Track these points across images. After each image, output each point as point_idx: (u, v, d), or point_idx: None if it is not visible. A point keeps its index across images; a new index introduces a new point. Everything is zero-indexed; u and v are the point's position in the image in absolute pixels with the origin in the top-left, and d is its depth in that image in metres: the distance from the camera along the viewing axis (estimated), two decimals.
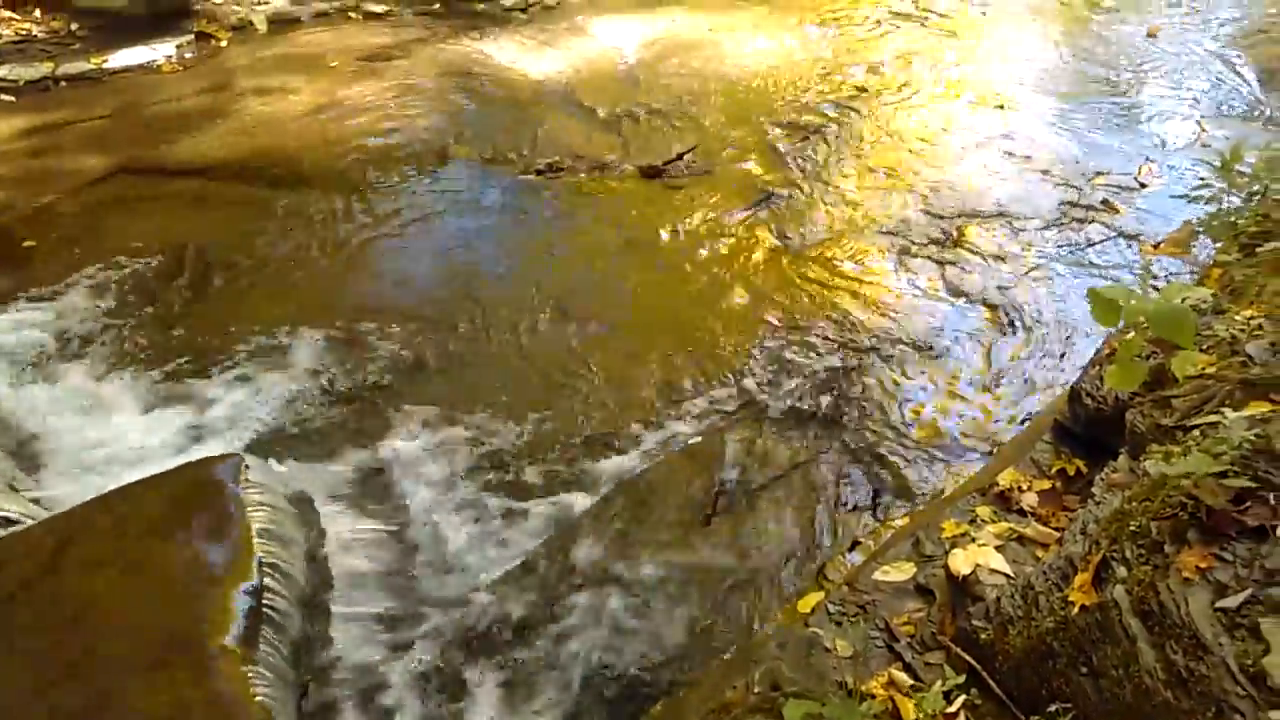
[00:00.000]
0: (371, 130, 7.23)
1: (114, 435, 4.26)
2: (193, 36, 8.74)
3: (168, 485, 3.58)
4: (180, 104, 7.69)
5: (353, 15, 9.61)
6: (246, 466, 3.54)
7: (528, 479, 4.06)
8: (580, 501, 3.95)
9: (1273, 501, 2.05)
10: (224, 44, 8.82)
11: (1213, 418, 2.29)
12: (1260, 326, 2.83)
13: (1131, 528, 2.16)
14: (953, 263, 5.54)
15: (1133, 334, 3.11)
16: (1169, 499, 2.14)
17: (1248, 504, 2.06)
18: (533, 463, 4.15)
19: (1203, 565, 1.96)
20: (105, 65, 8.13)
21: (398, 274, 5.60)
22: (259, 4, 9.46)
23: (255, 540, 3.26)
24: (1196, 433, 2.32)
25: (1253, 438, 2.18)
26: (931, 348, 4.85)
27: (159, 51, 8.44)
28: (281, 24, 9.33)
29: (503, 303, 5.29)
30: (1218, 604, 1.88)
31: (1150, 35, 9.26)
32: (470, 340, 4.98)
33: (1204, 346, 2.90)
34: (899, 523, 3.75)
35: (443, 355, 4.87)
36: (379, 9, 9.71)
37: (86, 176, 6.55)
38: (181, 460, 3.83)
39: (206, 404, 4.47)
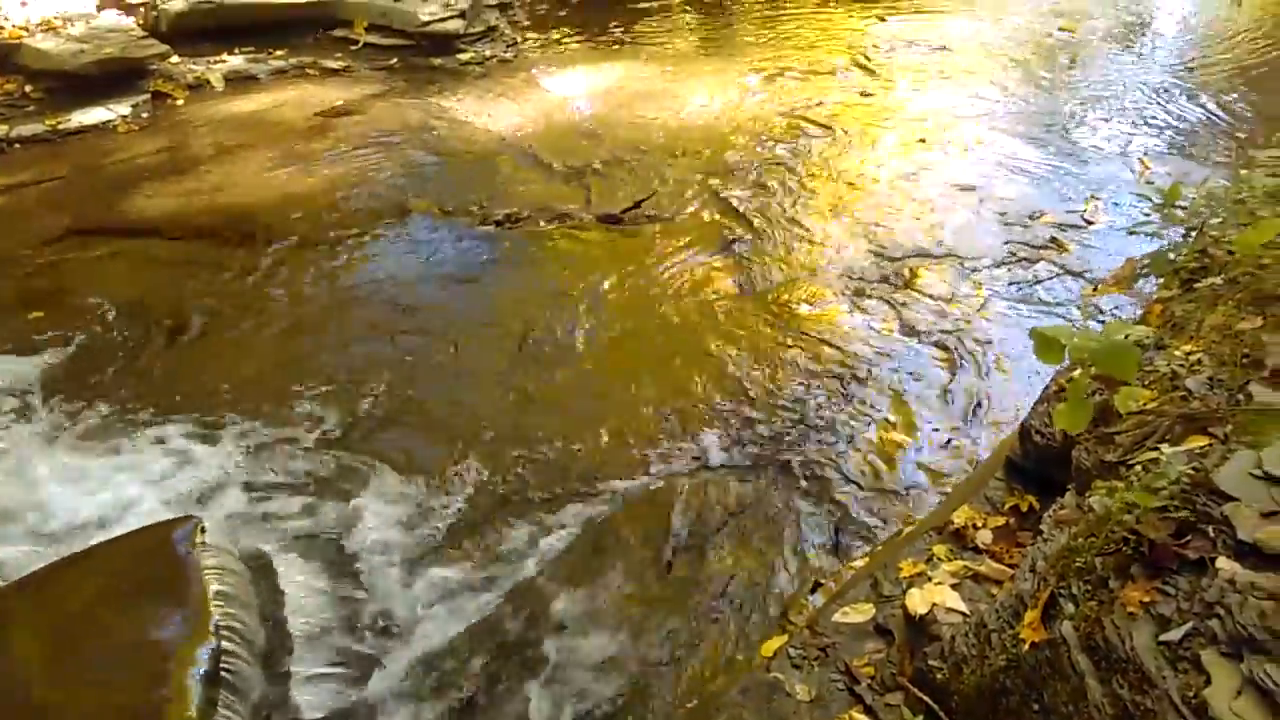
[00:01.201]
0: (329, 185, 7.25)
1: (65, 500, 4.20)
2: (149, 96, 8.75)
3: (122, 550, 3.55)
4: (136, 163, 7.68)
5: (310, 72, 9.66)
6: (202, 529, 3.51)
7: (487, 532, 4.05)
8: (540, 554, 3.94)
9: (1211, 534, 2.09)
10: (180, 103, 8.83)
11: (1152, 454, 2.34)
12: (1199, 361, 2.90)
13: (1078, 564, 2.20)
14: (906, 303, 5.62)
15: (1079, 372, 3.19)
16: (1112, 534, 2.18)
17: (1188, 537, 2.11)
18: (492, 515, 4.15)
19: (1146, 599, 2.00)
20: (60, 126, 8.12)
21: (356, 329, 5.60)
22: (215, 62, 9.50)
23: (212, 603, 3.23)
24: (1139, 468, 2.37)
25: (1191, 471, 2.24)
26: (887, 387, 4.92)
27: (115, 111, 8.44)
28: (239, 82, 9.36)
29: (462, 354, 5.31)
30: (1161, 637, 1.92)
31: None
32: (427, 393, 4.98)
33: (1146, 382, 2.97)
34: (859, 563, 3.78)
35: (401, 409, 4.86)
36: (336, 65, 9.78)
37: (42, 237, 6.52)
38: (136, 524, 3.79)
39: (163, 465, 4.43)
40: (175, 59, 9.21)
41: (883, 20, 11.54)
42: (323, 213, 6.87)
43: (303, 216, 6.81)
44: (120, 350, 5.32)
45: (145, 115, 8.54)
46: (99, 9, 9.46)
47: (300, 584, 3.73)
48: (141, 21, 9.49)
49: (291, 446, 4.55)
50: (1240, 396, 2.54)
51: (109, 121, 8.33)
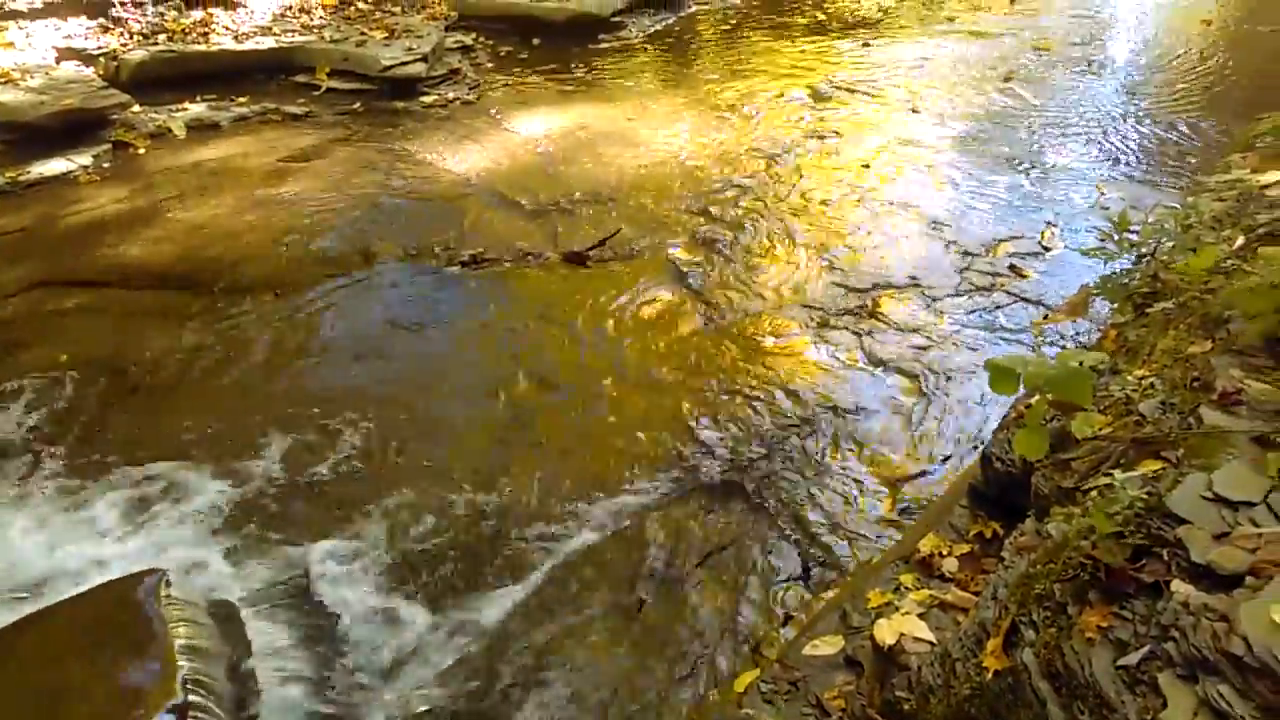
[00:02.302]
0: (294, 231, 7.25)
1: (30, 556, 4.15)
2: (110, 146, 8.72)
3: (87, 606, 3.51)
4: (99, 214, 7.64)
5: (273, 118, 9.67)
6: (167, 582, 3.48)
7: (457, 576, 4.04)
8: (512, 597, 3.93)
9: (1166, 557, 2.13)
10: (142, 152, 8.80)
11: (1106, 479, 2.38)
12: (1152, 385, 2.95)
13: (1037, 591, 2.23)
14: (870, 333, 5.69)
15: (1037, 399, 3.24)
16: (1070, 560, 2.22)
17: (1143, 561, 2.15)
18: (461, 559, 4.13)
19: (1104, 624, 2.03)
20: (21, 179, 8.06)
21: (322, 375, 5.58)
22: (177, 110, 9.49)
23: (178, 656, 3.20)
24: (1094, 493, 2.41)
25: (1145, 496, 2.28)
26: (853, 417, 4.96)
27: (76, 162, 8.40)
28: (201, 130, 9.35)
29: (429, 397, 5.31)
30: (1119, 662, 1.95)
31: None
32: (395, 439, 4.96)
33: (1102, 407, 3.02)
34: (829, 594, 3.80)
35: (369, 456, 4.84)
36: (299, 111, 9.80)
37: (4, 290, 6.46)
38: (101, 579, 3.75)
39: (128, 518, 4.39)
40: (136, 108, 9.19)
41: (839, 60, 11.73)
42: (287, 258, 6.86)
43: (267, 263, 6.80)
44: (84, 403, 5.27)
45: (107, 165, 8.51)
46: (58, 60, 9.46)
47: (268, 634, 3.70)
48: (102, 72, 9.49)
49: (258, 496, 4.52)
50: (1191, 420, 2.59)
51: (70, 172, 8.29)
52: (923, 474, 4.53)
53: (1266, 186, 4.02)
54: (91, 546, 4.21)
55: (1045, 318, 5.52)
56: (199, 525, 4.34)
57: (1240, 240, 3.61)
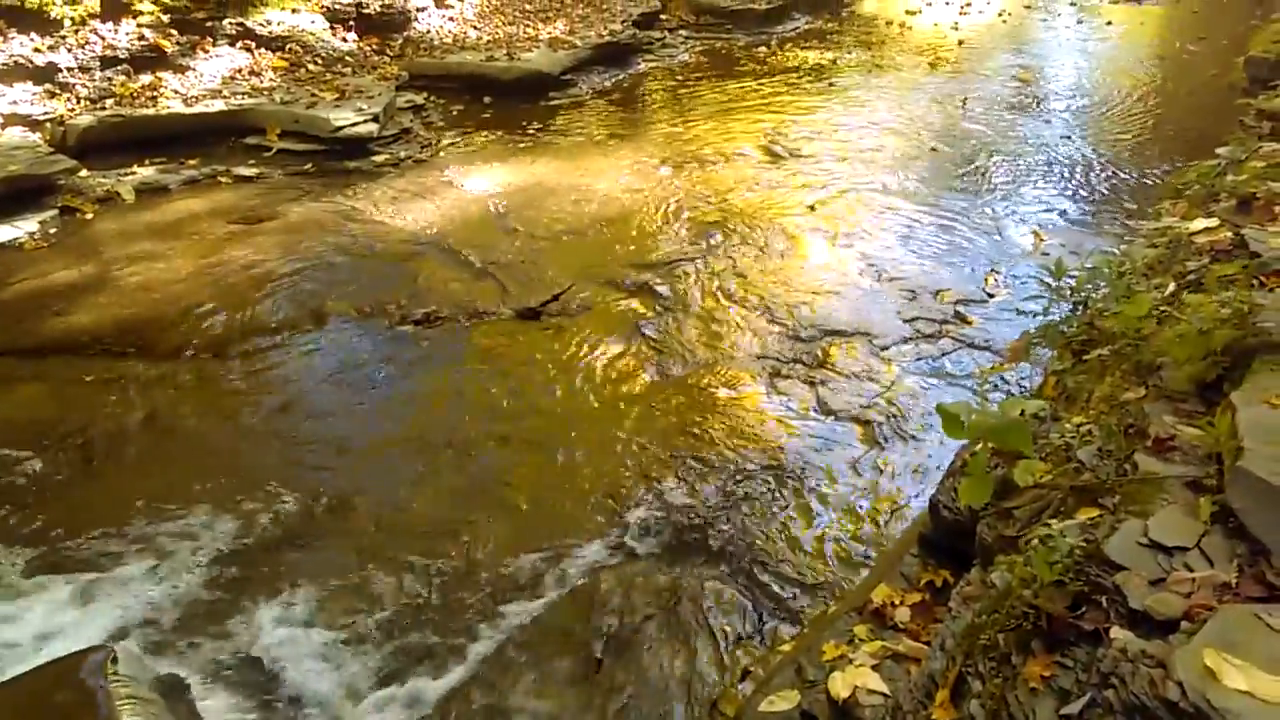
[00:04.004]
0: (245, 294, 7.21)
1: None
2: (57, 212, 8.63)
3: (32, 684, 3.42)
4: (45, 281, 7.55)
5: (223, 180, 9.64)
6: (114, 659, 3.40)
7: (410, 643, 3.99)
8: (468, 660, 3.90)
9: (1105, 604, 2.18)
10: (90, 217, 8.72)
11: (1045, 529, 2.43)
12: (1090, 432, 3.02)
13: (983, 641, 2.26)
14: (821, 382, 5.76)
15: (980, 447, 3.30)
16: (1013, 610, 2.26)
17: (1083, 609, 2.19)
18: (415, 625, 4.09)
19: (1046, 674, 2.07)
20: None
21: (271, 439, 5.53)
22: (125, 175, 9.43)
23: None
24: (1035, 542, 2.46)
25: (1083, 543, 2.33)
26: (806, 467, 5.01)
27: (21, 229, 8.30)
28: (150, 193, 9.29)
29: (380, 458, 5.28)
30: (1062, 711, 1.98)
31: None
32: (348, 504, 4.92)
33: (1043, 454, 3.09)
34: (786, 647, 3.81)
35: (318, 519, 4.80)
36: (249, 172, 9.78)
37: None
38: (45, 657, 3.66)
39: (73, 593, 4.29)
40: (84, 173, 9.11)
41: (785, 113, 11.97)
42: (238, 321, 6.82)
43: (218, 326, 6.74)
44: (31, 475, 5.17)
45: (54, 232, 8.42)
46: (3, 127, 9.37)
47: (218, 709, 3.63)
48: (48, 137, 9.42)
49: (206, 568, 4.45)
50: (1127, 466, 2.65)
51: (16, 240, 8.19)
52: (875, 522, 4.57)
53: (1195, 234, 4.15)
54: (37, 625, 4.11)
55: (990, 368, 5.64)
56: (146, 597, 4.26)
57: (1171, 287, 3.72)
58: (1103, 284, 4.08)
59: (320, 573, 4.39)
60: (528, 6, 15.58)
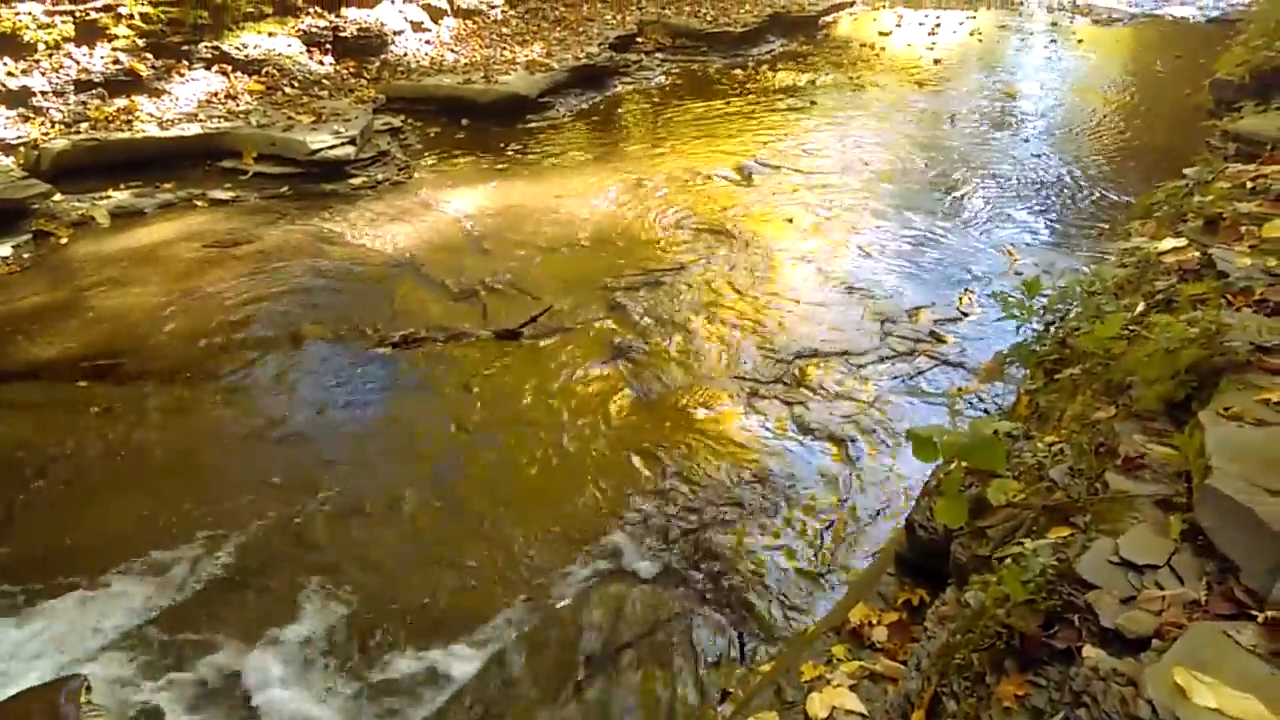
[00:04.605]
0: (221, 318, 7.18)
1: None
2: (31, 236, 8.57)
3: (3, 714, 3.38)
4: (19, 306, 7.49)
5: (199, 204, 9.61)
6: (88, 688, 3.37)
7: (390, 668, 3.97)
8: (451, 684, 3.88)
9: (1077, 623, 2.20)
10: (65, 241, 8.67)
11: (1018, 548, 2.45)
12: (1062, 451, 3.06)
13: (957, 660, 2.28)
14: (798, 402, 5.79)
15: (954, 467, 3.33)
16: (987, 629, 2.27)
17: (1056, 628, 2.21)
18: (395, 650, 4.07)
19: (1020, 693, 2.08)
20: None
21: (248, 464, 5.49)
22: (100, 199, 9.38)
23: None
24: (1008, 561, 2.48)
25: (1055, 562, 2.36)
26: (784, 487, 5.03)
27: None
28: (125, 217, 9.24)
29: (358, 481, 5.25)
30: None
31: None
32: (324, 530, 4.88)
33: (1017, 473, 3.12)
34: (765, 668, 3.81)
35: (296, 544, 4.76)
36: (225, 196, 9.75)
37: None
38: (17, 687, 3.62)
39: (46, 622, 4.24)
40: (59, 197, 9.06)
41: (760, 134, 12.06)
42: (213, 346, 6.78)
43: (194, 351, 6.71)
44: (2, 503, 5.12)
45: (27, 256, 8.36)
46: None
47: None
48: (22, 161, 9.37)
49: (183, 592, 4.41)
50: (1098, 485, 2.68)
51: None
52: (852, 542, 4.59)
53: (1163, 253, 4.21)
54: (8, 656, 4.06)
55: (964, 388, 5.68)
56: (122, 625, 4.22)
57: (1141, 306, 3.78)
58: (1074, 303, 4.14)
59: (296, 600, 4.35)
60: (504, 30, 15.65)
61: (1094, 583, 2.26)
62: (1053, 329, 4.16)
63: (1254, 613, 2.04)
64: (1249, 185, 4.79)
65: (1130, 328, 3.46)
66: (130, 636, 4.16)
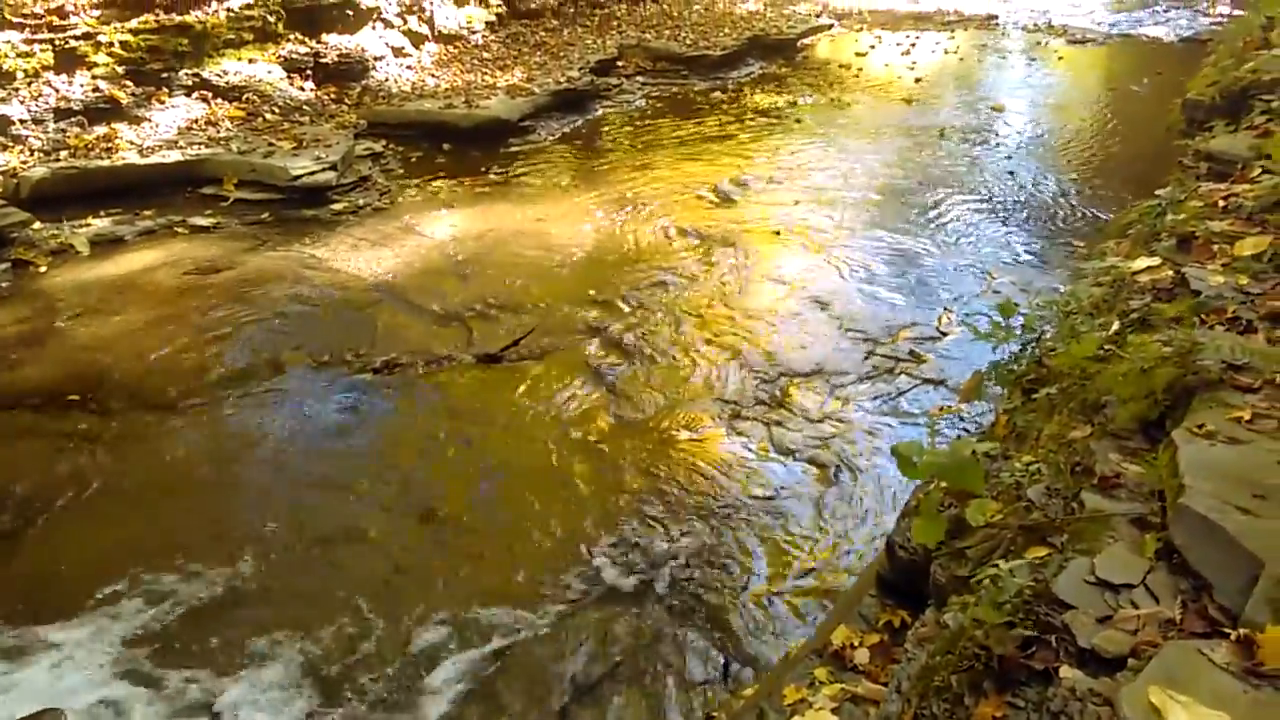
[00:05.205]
0: (201, 345, 7.15)
1: None
2: (9, 265, 8.53)
3: None
4: None
5: (179, 231, 9.57)
6: None
7: (371, 698, 3.95)
8: (435, 711, 3.86)
9: (1054, 643, 2.21)
10: (44, 270, 8.63)
11: (993, 570, 2.46)
12: (1039, 471, 3.08)
13: (936, 683, 2.28)
14: (780, 423, 5.81)
15: (932, 487, 3.34)
16: (965, 651, 2.28)
17: (1033, 649, 2.22)
18: (378, 677, 4.05)
19: (998, 714, 2.09)
20: None
21: (228, 496, 5.47)
22: (80, 226, 9.34)
23: None
24: (986, 582, 2.49)
25: (1032, 583, 2.37)
26: (766, 509, 5.04)
27: None
28: (105, 245, 9.20)
29: (339, 510, 5.23)
30: None
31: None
32: (305, 557, 4.87)
33: (995, 493, 3.13)
34: (748, 691, 3.81)
35: (276, 576, 4.74)
36: (206, 223, 9.72)
37: None
38: None
39: (22, 656, 4.20)
40: (38, 225, 9.01)
41: (741, 156, 12.14)
42: (194, 373, 6.76)
43: (174, 379, 6.67)
44: None
45: (6, 285, 8.31)
46: None
47: None
48: (0, 190, 9.34)
49: (162, 626, 4.37)
50: (1075, 505, 2.70)
51: None
52: (835, 563, 4.60)
53: (1137, 272, 4.25)
54: None
55: (943, 408, 5.72)
56: (100, 660, 4.18)
57: (1115, 325, 3.81)
58: (1050, 323, 4.17)
59: (275, 632, 4.32)
60: (485, 55, 15.71)
61: (1071, 603, 2.26)
62: (1029, 348, 4.19)
63: (1227, 631, 2.06)
64: (1221, 204, 4.84)
65: (1105, 347, 3.49)
66: (110, 670, 4.12)
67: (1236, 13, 17.35)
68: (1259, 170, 5.20)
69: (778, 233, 9.02)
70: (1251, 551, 2.18)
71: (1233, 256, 4.12)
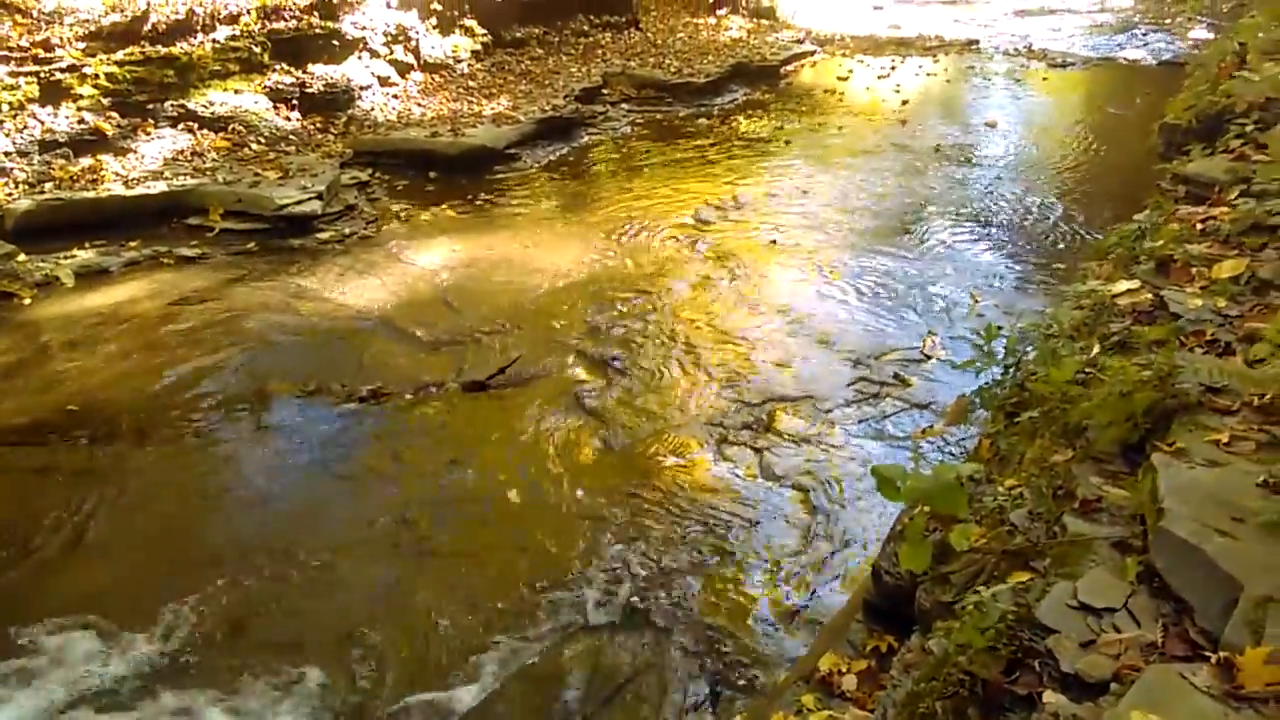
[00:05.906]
0: (186, 376, 7.13)
1: None
2: None
3: None
4: None
5: (165, 261, 9.55)
6: None
7: None
8: None
9: (1038, 668, 2.22)
10: (28, 302, 8.59)
11: (976, 596, 2.47)
12: (1021, 495, 3.10)
13: (922, 709, 2.29)
14: (766, 447, 5.83)
15: (917, 512, 3.35)
16: (949, 676, 2.29)
17: (1017, 674, 2.23)
18: (364, 713, 4.02)
19: None
20: None
21: (211, 528, 5.45)
22: (65, 258, 9.31)
23: None
24: (970, 607, 2.50)
25: (1015, 608, 2.38)
26: (753, 534, 5.05)
27: None
28: (90, 276, 9.17)
29: (325, 542, 5.20)
30: None
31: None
32: (291, 588, 4.84)
33: (979, 517, 3.15)
34: (738, 718, 3.80)
35: (262, 610, 4.70)
36: (192, 253, 9.71)
37: None
38: None
39: (4, 690, 4.17)
40: (22, 257, 8.97)
41: (726, 182, 12.22)
42: (180, 405, 6.73)
43: (160, 410, 6.65)
44: None
45: None
46: None
47: None
48: None
49: (143, 663, 4.33)
50: (1057, 529, 2.72)
51: None
52: (822, 589, 4.60)
53: (1117, 295, 4.30)
54: None
55: (924, 431, 5.74)
56: (82, 696, 4.14)
57: (1096, 349, 3.84)
58: (1031, 347, 4.21)
59: (260, 668, 4.29)
60: (471, 84, 15.77)
61: (1054, 627, 2.28)
62: (1012, 372, 4.22)
63: (1208, 653, 2.07)
64: (1199, 227, 4.90)
65: (1086, 370, 3.52)
66: (91, 700, 4.09)
67: (1211, 37, 17.59)
68: (1236, 193, 5.27)
69: (763, 257, 9.06)
70: (1230, 574, 2.20)
71: (1211, 279, 4.17)
